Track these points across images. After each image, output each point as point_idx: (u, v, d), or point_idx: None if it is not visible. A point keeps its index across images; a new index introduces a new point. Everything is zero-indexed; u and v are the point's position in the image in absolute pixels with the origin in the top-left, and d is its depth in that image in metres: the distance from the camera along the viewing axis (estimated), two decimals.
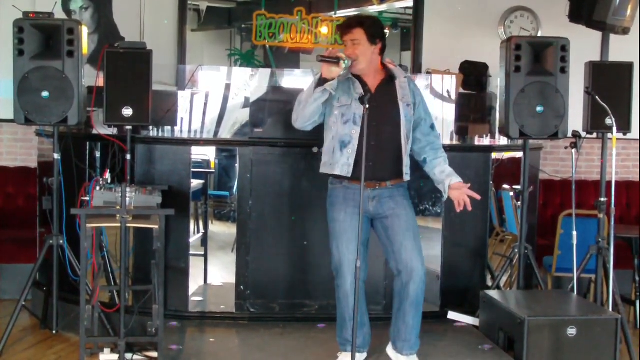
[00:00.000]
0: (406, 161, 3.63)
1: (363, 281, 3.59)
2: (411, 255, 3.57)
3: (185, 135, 4.69)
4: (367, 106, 3.30)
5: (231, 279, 4.44)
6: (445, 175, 3.64)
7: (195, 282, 4.49)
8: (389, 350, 3.78)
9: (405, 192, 3.70)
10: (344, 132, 3.55)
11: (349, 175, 3.54)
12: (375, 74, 3.66)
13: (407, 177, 3.66)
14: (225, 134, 4.78)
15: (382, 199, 3.61)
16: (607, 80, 4.30)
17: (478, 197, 3.63)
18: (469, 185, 3.62)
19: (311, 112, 3.56)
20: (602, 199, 4.29)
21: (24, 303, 4.09)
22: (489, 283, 4.69)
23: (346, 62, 3.51)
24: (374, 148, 3.53)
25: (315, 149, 4.31)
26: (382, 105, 3.58)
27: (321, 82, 3.48)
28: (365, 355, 3.77)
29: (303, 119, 3.59)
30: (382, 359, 3.82)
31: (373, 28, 3.60)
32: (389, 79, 3.66)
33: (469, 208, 3.58)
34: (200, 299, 4.57)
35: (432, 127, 3.72)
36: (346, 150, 3.55)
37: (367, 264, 3.71)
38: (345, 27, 3.64)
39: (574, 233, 4.22)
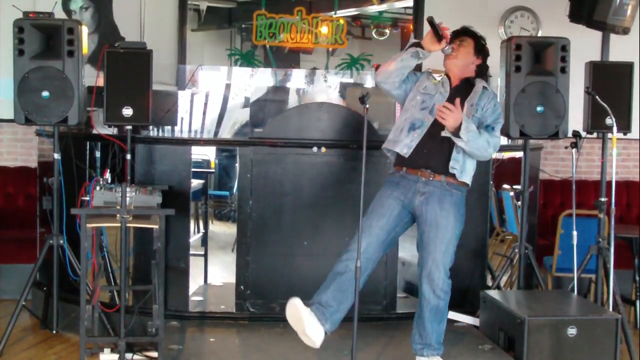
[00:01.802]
0: (455, 156, 3.58)
1: (371, 259, 3.61)
2: (433, 269, 3.58)
3: (185, 135, 4.69)
4: (367, 106, 3.37)
5: (231, 279, 4.44)
6: None
7: (195, 282, 4.49)
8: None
9: (458, 200, 3.64)
10: (418, 116, 3.65)
11: (407, 156, 3.61)
12: (458, 81, 3.74)
13: (454, 171, 3.58)
14: (225, 133, 4.78)
15: (430, 198, 3.60)
16: (607, 80, 4.30)
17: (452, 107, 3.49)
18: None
19: (395, 69, 3.63)
20: (602, 199, 4.29)
21: (24, 303, 4.09)
22: (489, 283, 4.69)
23: (446, 49, 3.64)
24: (426, 140, 3.61)
25: (315, 149, 4.31)
26: (449, 101, 3.60)
27: (417, 45, 3.58)
28: (322, 330, 3.61)
29: (385, 73, 3.65)
30: (384, 357, 3.82)
31: (482, 45, 3.76)
32: (470, 86, 3.72)
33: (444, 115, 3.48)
34: (200, 298, 4.57)
35: (487, 128, 3.65)
36: (412, 133, 3.63)
37: (385, 252, 3.73)
38: (459, 33, 3.76)
39: (574, 233, 4.22)
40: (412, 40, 3.67)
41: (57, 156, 4.11)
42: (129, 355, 3.69)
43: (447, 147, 3.61)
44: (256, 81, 5.10)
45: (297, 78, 5.94)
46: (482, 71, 3.78)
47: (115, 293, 4.28)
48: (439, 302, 3.61)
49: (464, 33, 3.77)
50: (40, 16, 4.01)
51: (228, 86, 5.06)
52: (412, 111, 3.68)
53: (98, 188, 3.66)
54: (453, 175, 3.61)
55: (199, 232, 4.75)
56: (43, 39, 4.00)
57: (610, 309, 4.04)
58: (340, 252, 3.68)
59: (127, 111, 4.06)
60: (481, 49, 3.75)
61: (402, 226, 3.71)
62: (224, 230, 4.60)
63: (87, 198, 3.68)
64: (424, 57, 3.65)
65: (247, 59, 6.08)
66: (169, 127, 4.64)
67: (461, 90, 3.69)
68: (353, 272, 3.43)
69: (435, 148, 3.61)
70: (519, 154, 4.56)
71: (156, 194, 3.75)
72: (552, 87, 4.23)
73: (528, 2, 6.11)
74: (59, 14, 5.03)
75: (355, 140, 4.29)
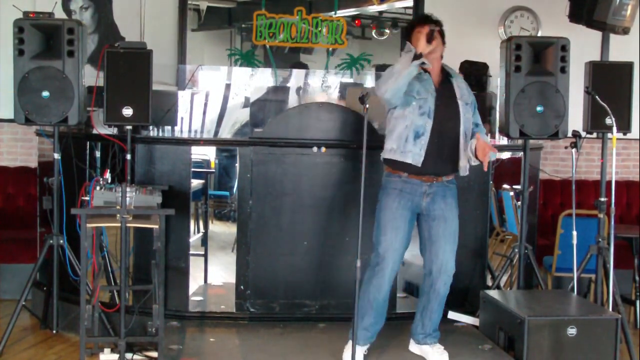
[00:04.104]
0: (464, 156, 3.72)
1: (397, 270, 3.78)
2: (448, 259, 3.76)
3: (185, 135, 4.69)
4: (367, 106, 3.41)
5: (231, 279, 4.44)
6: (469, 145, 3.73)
7: (195, 282, 4.49)
8: (413, 347, 3.91)
9: (455, 191, 3.83)
10: (419, 123, 3.67)
11: (419, 165, 3.65)
12: (438, 72, 3.79)
13: (463, 172, 3.76)
14: (225, 133, 4.78)
15: (435, 196, 3.74)
16: (607, 80, 4.30)
17: (495, 150, 3.63)
18: (480, 136, 3.65)
19: (403, 85, 3.62)
20: (602, 199, 4.29)
21: (24, 303, 4.09)
22: (489, 283, 4.69)
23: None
24: (432, 145, 3.67)
25: (315, 149, 4.31)
26: (444, 103, 3.71)
27: (416, 57, 3.59)
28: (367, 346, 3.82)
29: (397, 90, 3.62)
30: (383, 357, 3.82)
31: (443, 31, 3.78)
32: (447, 78, 3.80)
33: (489, 159, 3.60)
34: (200, 298, 4.57)
35: (478, 125, 3.82)
36: (419, 141, 3.66)
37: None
38: (422, 21, 3.76)
39: (574, 233, 4.22)
40: (410, 50, 3.62)
41: (57, 156, 4.11)
42: (129, 355, 3.69)
43: (451, 148, 3.71)
44: (256, 81, 5.10)
45: (297, 78, 5.94)
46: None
47: (115, 293, 4.27)
48: (446, 291, 3.81)
49: (428, 21, 3.74)
50: (40, 16, 4.01)
51: (228, 86, 5.06)
52: (412, 118, 3.67)
53: (98, 188, 3.66)
54: (454, 172, 3.75)
55: (199, 232, 4.74)
56: (43, 39, 4.00)
57: (610, 309, 4.04)
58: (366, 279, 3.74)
59: (127, 111, 4.06)
60: (444, 35, 3.79)
61: (413, 227, 3.81)
62: (224, 230, 4.60)
63: (87, 198, 3.68)
64: (428, 65, 3.67)
65: (247, 59, 6.08)
66: (169, 127, 4.64)
67: (444, 87, 3.75)
68: (392, 274, 3.69)
69: (440, 153, 3.70)
70: (519, 154, 4.56)
71: (156, 194, 3.75)
72: (552, 87, 4.23)
73: (528, 2, 6.11)
74: (59, 14, 5.03)
75: (355, 140, 4.29)
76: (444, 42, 3.77)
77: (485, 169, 3.64)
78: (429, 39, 3.59)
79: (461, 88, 3.78)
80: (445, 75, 3.80)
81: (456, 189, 3.84)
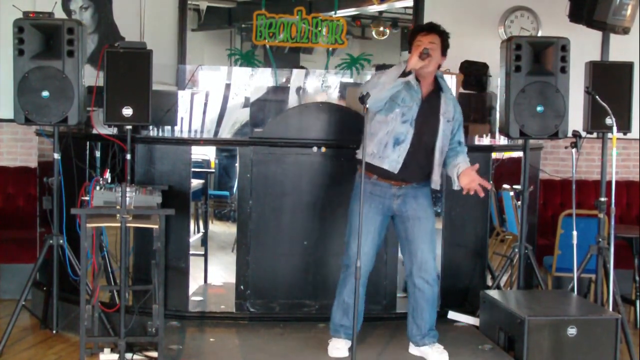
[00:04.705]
0: (437, 171, 3.76)
1: (369, 271, 3.83)
2: (427, 258, 3.78)
3: (185, 135, 4.69)
4: (367, 106, 3.44)
5: (231, 279, 4.44)
6: (455, 164, 3.75)
7: (195, 282, 4.49)
8: (413, 350, 3.90)
9: (428, 192, 3.85)
10: (400, 130, 3.68)
11: (396, 172, 3.68)
12: (430, 83, 3.79)
13: (436, 187, 3.81)
14: (225, 133, 4.78)
15: (406, 198, 3.77)
16: (607, 80, 4.30)
17: (488, 185, 3.72)
18: (476, 167, 3.69)
19: (386, 97, 3.63)
20: (602, 199, 4.29)
21: (24, 303, 4.09)
22: (489, 283, 4.69)
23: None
24: (410, 154, 3.70)
25: (315, 149, 4.31)
26: (426, 116, 3.73)
27: (404, 73, 3.60)
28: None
29: (378, 100, 3.63)
30: (384, 356, 3.82)
31: (447, 42, 3.78)
32: (437, 92, 3.80)
33: (480, 194, 3.68)
34: (200, 298, 4.57)
35: (460, 144, 3.85)
36: (399, 148, 3.67)
37: (375, 257, 3.89)
38: (426, 29, 3.77)
39: (574, 233, 4.22)
40: (400, 67, 3.62)
41: (57, 156, 4.11)
42: (129, 355, 3.69)
43: (426, 160, 3.75)
44: (256, 81, 5.09)
45: (297, 78, 5.94)
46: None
47: (115, 293, 4.27)
48: (433, 290, 3.80)
49: (430, 29, 3.76)
50: (40, 16, 4.01)
51: (228, 86, 5.05)
52: (394, 124, 3.69)
53: (98, 188, 3.66)
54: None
55: (199, 232, 4.74)
56: (43, 39, 3.99)
57: (610, 309, 4.04)
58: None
59: (127, 111, 4.06)
60: (446, 46, 3.78)
61: (385, 229, 3.87)
62: (224, 230, 4.59)
63: (87, 198, 3.68)
64: (414, 84, 3.69)
65: (247, 59, 6.08)
66: (169, 127, 4.64)
67: (431, 99, 3.76)
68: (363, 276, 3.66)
69: (418, 163, 3.73)
70: (519, 154, 4.56)
71: (156, 194, 3.75)
72: (552, 87, 4.23)
73: (528, 2, 6.11)
74: (59, 14, 5.03)
75: (355, 141, 4.28)
76: (445, 54, 3.76)
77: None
78: (422, 57, 3.58)
79: (447, 104, 3.78)
80: (437, 88, 3.80)
81: (429, 191, 3.84)
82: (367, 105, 3.59)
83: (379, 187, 3.74)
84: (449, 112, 3.77)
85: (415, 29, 3.91)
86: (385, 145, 3.69)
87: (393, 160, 3.68)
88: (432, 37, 3.71)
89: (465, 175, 3.67)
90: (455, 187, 3.74)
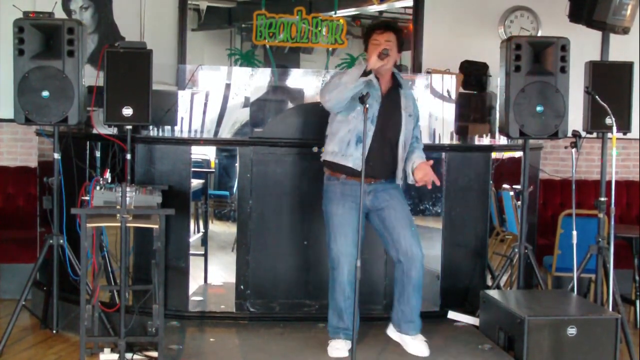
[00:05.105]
0: (401, 166, 3.83)
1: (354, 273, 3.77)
2: (410, 243, 3.78)
3: (185, 135, 4.68)
4: (367, 105, 3.46)
5: (231, 278, 4.44)
6: (411, 159, 3.84)
7: (195, 282, 4.49)
8: (391, 333, 3.93)
9: (398, 187, 3.91)
10: (362, 128, 3.65)
11: (359, 169, 3.65)
12: (388, 80, 3.85)
13: (399, 182, 3.87)
14: (225, 133, 4.78)
15: (377, 192, 3.83)
16: (607, 80, 4.30)
17: (437, 182, 3.77)
18: (431, 162, 3.78)
19: (348, 96, 3.66)
20: (602, 199, 4.29)
21: (24, 303, 4.09)
22: (489, 283, 4.69)
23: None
24: (375, 149, 3.74)
25: (315, 149, 4.31)
26: (388, 112, 3.78)
27: (365, 73, 3.62)
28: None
29: (340, 100, 3.67)
30: (384, 356, 3.82)
31: (402, 38, 3.88)
32: (396, 87, 3.86)
33: (429, 187, 3.78)
34: (200, 298, 4.57)
35: (417, 140, 3.95)
36: (361, 146, 3.67)
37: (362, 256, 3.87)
38: (382, 27, 3.82)
39: (574, 233, 4.22)
40: (361, 67, 3.63)
41: (57, 156, 4.11)
42: (129, 355, 3.69)
43: (390, 156, 3.80)
44: (256, 81, 5.09)
45: (296, 77, 5.93)
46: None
47: (115, 293, 4.28)
48: (419, 275, 3.80)
49: (386, 27, 3.81)
50: (40, 16, 4.01)
51: (228, 86, 5.05)
52: (355, 123, 3.73)
53: (98, 188, 3.66)
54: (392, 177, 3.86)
55: (199, 231, 4.73)
56: (43, 38, 3.99)
57: (610, 308, 4.04)
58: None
59: (127, 111, 4.06)
60: (401, 42, 3.85)
61: (363, 228, 3.77)
62: (223, 230, 4.59)
63: (87, 198, 3.68)
64: (375, 82, 3.75)
65: (247, 59, 6.08)
66: (169, 127, 4.64)
67: (391, 95, 3.82)
68: (349, 278, 3.69)
69: (381, 159, 3.78)
70: (519, 154, 4.56)
71: (156, 194, 3.75)
72: (552, 86, 4.23)
73: (528, 2, 6.11)
74: (59, 14, 5.03)
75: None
76: (400, 50, 3.84)
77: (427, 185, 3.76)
78: (381, 57, 3.62)
79: (407, 99, 3.86)
80: (395, 84, 3.86)
81: (399, 186, 3.90)
82: (329, 105, 3.70)
83: (348, 186, 3.77)
84: (410, 107, 3.85)
85: (370, 27, 3.95)
86: (348, 143, 3.74)
87: (356, 158, 3.70)
88: (388, 35, 3.77)
89: (419, 170, 3.76)
90: (410, 180, 3.83)
